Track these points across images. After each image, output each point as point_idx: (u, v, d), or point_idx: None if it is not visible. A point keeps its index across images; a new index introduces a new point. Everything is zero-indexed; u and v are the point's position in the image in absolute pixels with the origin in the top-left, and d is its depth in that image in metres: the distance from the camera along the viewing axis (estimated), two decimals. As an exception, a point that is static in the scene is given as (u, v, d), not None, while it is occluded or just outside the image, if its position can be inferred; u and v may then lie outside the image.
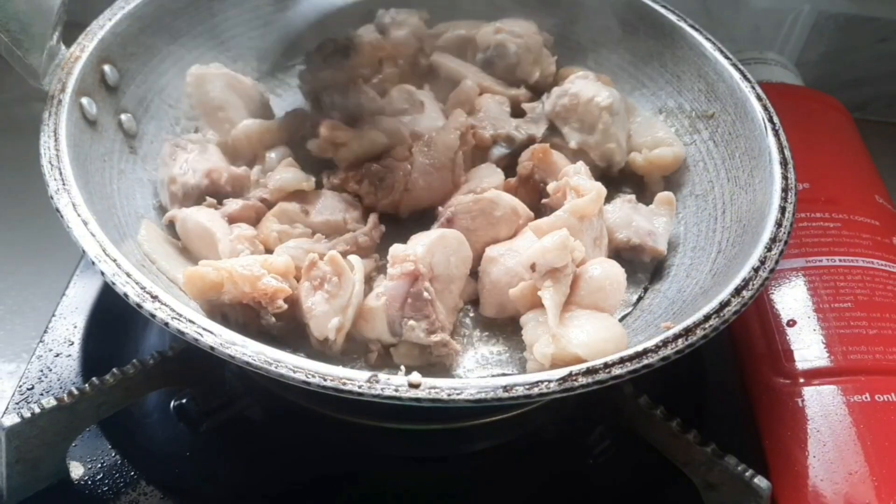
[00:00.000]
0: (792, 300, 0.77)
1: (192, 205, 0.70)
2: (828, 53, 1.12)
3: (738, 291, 0.59)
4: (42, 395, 0.69)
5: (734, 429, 0.71)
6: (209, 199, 0.70)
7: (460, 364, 0.64)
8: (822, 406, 0.69)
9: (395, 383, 0.51)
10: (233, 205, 0.70)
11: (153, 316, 0.53)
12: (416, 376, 0.51)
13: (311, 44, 0.82)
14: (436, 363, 0.62)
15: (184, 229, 0.69)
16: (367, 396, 0.50)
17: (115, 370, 0.60)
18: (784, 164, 0.69)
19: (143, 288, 0.54)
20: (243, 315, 0.60)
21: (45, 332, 0.74)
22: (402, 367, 0.61)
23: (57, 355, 0.72)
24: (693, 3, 1.04)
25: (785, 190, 0.67)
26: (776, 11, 1.10)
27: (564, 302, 0.63)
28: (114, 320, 0.75)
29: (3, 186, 0.94)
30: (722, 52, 0.80)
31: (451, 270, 0.65)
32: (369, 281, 0.66)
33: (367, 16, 0.87)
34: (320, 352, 0.61)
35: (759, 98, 0.75)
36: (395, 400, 0.50)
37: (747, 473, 0.56)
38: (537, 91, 0.85)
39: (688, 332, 0.56)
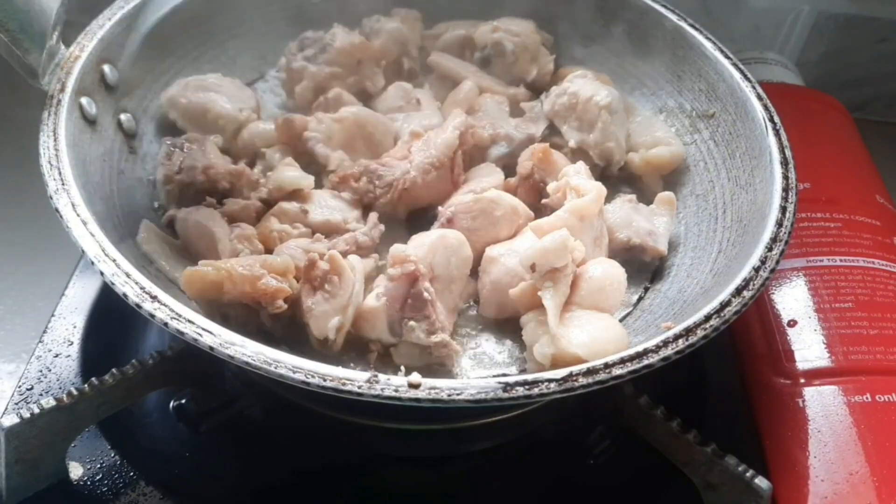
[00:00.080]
0: (793, 300, 0.77)
1: (191, 204, 0.70)
2: (828, 53, 1.12)
3: (738, 291, 0.59)
4: (41, 395, 0.69)
5: (734, 429, 0.71)
6: (209, 199, 0.70)
7: (460, 364, 0.64)
8: (823, 406, 0.69)
9: (394, 383, 0.51)
10: (232, 204, 0.70)
11: (152, 316, 0.53)
12: (415, 377, 0.51)
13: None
14: (436, 363, 0.62)
15: (183, 229, 0.69)
16: (366, 397, 0.50)
17: (114, 370, 0.60)
18: (785, 163, 0.69)
19: (142, 288, 0.54)
20: (243, 315, 0.60)
21: (45, 332, 0.74)
22: (402, 368, 0.61)
23: (56, 355, 0.72)
24: (693, 3, 1.04)
25: (786, 190, 0.67)
26: (776, 11, 1.10)
27: (564, 302, 0.63)
28: (113, 320, 0.75)
29: (2, 186, 0.94)
30: (722, 51, 0.79)
31: (451, 271, 0.65)
32: (369, 281, 0.66)
33: (368, 14, 0.87)
34: (320, 352, 0.61)
35: (759, 98, 0.75)
36: (395, 400, 0.50)
37: (748, 474, 0.56)
38: (536, 90, 0.85)
39: (688, 332, 0.56)
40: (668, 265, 0.73)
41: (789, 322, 0.75)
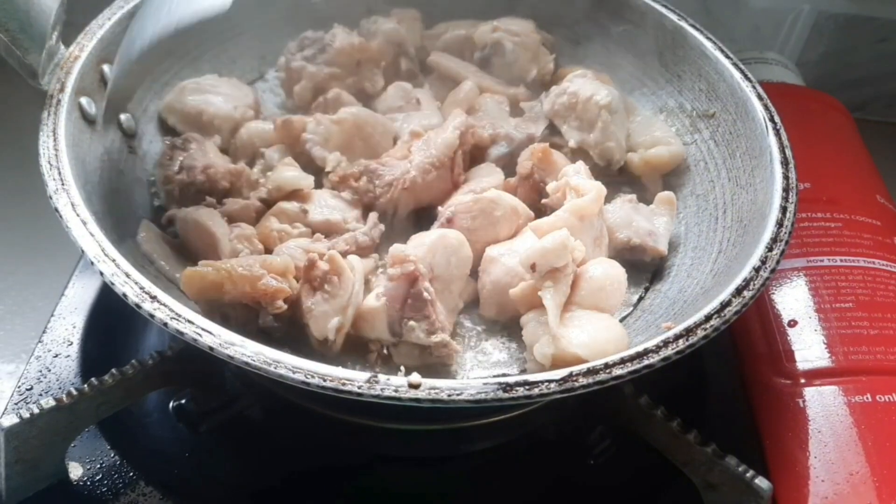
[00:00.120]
0: (793, 300, 0.77)
1: (191, 204, 0.70)
2: (828, 53, 1.12)
3: (738, 291, 0.59)
4: (41, 395, 0.69)
5: (735, 429, 0.71)
6: (208, 199, 0.70)
7: (460, 364, 0.64)
8: (823, 406, 0.69)
9: (394, 384, 0.50)
10: (232, 204, 0.70)
11: (152, 316, 0.53)
12: (415, 377, 0.51)
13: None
14: (436, 363, 0.62)
15: (183, 229, 0.69)
16: (366, 397, 0.50)
17: (114, 370, 0.60)
18: (785, 163, 0.69)
19: (141, 288, 0.54)
20: (243, 315, 0.60)
21: (45, 332, 0.74)
22: (402, 368, 0.61)
23: (56, 355, 0.72)
24: (693, 2, 1.04)
25: (786, 190, 0.67)
26: (776, 11, 1.10)
27: (565, 302, 0.63)
28: (113, 320, 0.75)
29: (2, 186, 0.94)
30: (723, 51, 0.79)
31: (451, 271, 0.65)
32: (369, 281, 0.66)
33: (367, 15, 0.87)
34: (320, 352, 0.61)
35: (759, 98, 0.75)
36: (394, 400, 0.50)
37: (748, 474, 0.56)
38: (536, 90, 0.85)
39: (688, 332, 0.56)
40: (668, 265, 0.73)
41: (789, 322, 0.75)
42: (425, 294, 0.61)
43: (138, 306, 0.54)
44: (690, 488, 0.60)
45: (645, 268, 0.73)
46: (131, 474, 0.64)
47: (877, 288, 0.76)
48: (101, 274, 0.55)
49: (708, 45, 0.80)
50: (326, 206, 0.71)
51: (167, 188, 0.71)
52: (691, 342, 0.55)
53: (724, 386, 0.76)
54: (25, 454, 0.59)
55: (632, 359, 0.54)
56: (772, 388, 0.72)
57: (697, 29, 0.82)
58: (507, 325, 0.67)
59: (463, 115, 0.75)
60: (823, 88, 1.02)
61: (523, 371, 0.63)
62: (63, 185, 0.60)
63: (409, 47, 0.86)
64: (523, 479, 0.68)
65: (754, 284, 0.59)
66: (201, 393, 0.66)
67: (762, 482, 0.56)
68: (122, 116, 0.74)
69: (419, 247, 0.64)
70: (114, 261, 0.56)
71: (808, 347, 0.73)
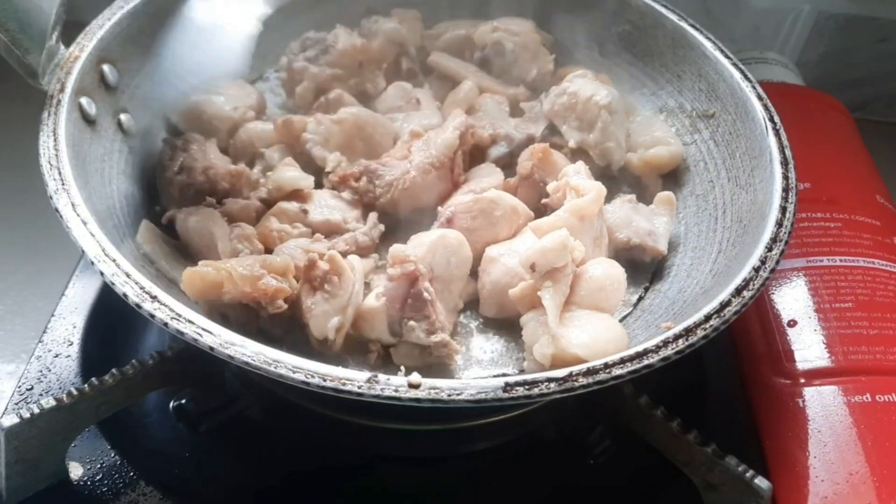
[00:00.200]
0: (793, 300, 0.77)
1: (192, 204, 0.70)
2: (828, 53, 1.12)
3: (738, 291, 0.59)
4: (41, 395, 0.69)
5: (735, 429, 0.71)
6: (208, 199, 0.70)
7: (460, 364, 0.64)
8: (823, 406, 0.69)
9: (394, 384, 0.50)
10: (232, 204, 0.70)
11: (152, 316, 0.53)
12: (415, 377, 0.51)
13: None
14: (436, 363, 0.62)
15: (184, 229, 0.69)
16: (366, 397, 0.50)
17: (114, 370, 0.60)
18: (785, 163, 0.69)
19: (142, 288, 0.54)
20: (243, 315, 0.60)
21: (45, 332, 0.74)
22: (402, 368, 0.61)
23: (56, 355, 0.72)
24: (693, 2, 1.04)
25: (786, 190, 0.67)
26: (776, 11, 1.10)
27: (564, 302, 0.63)
28: (113, 320, 0.75)
29: (2, 186, 0.94)
30: (722, 51, 0.79)
31: (451, 271, 0.65)
32: (369, 281, 0.66)
33: (367, 15, 0.87)
34: (320, 352, 0.61)
35: (759, 98, 0.75)
36: (394, 400, 0.50)
37: (748, 474, 0.56)
38: (536, 90, 0.85)
39: (688, 332, 0.56)
40: (668, 265, 0.73)
41: (789, 322, 0.75)
42: (425, 294, 0.61)
43: (138, 306, 0.54)
44: (690, 488, 0.60)
45: (645, 268, 0.73)
46: (131, 474, 0.64)
47: (876, 288, 0.76)
48: (102, 274, 0.55)
49: (708, 45, 0.80)
50: (326, 206, 0.71)
51: (167, 189, 0.71)
52: (691, 342, 0.55)
53: (724, 386, 0.76)
54: (26, 454, 0.59)
55: (631, 359, 0.54)
56: (772, 388, 0.72)
57: (697, 29, 0.82)
58: (507, 325, 0.67)
59: (463, 116, 0.75)
60: (823, 88, 1.02)
61: (523, 371, 0.63)
62: (63, 185, 0.60)
63: (410, 47, 0.86)
64: (523, 479, 0.68)
65: (754, 284, 0.59)
66: (201, 393, 0.66)
67: (762, 482, 0.56)
68: (123, 116, 0.74)
69: (419, 247, 0.64)
70: (114, 261, 0.56)
71: (808, 347, 0.73)
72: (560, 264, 0.61)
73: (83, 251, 0.57)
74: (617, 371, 0.53)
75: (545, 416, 0.68)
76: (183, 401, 0.66)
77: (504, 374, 0.62)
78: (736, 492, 0.57)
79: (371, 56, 0.82)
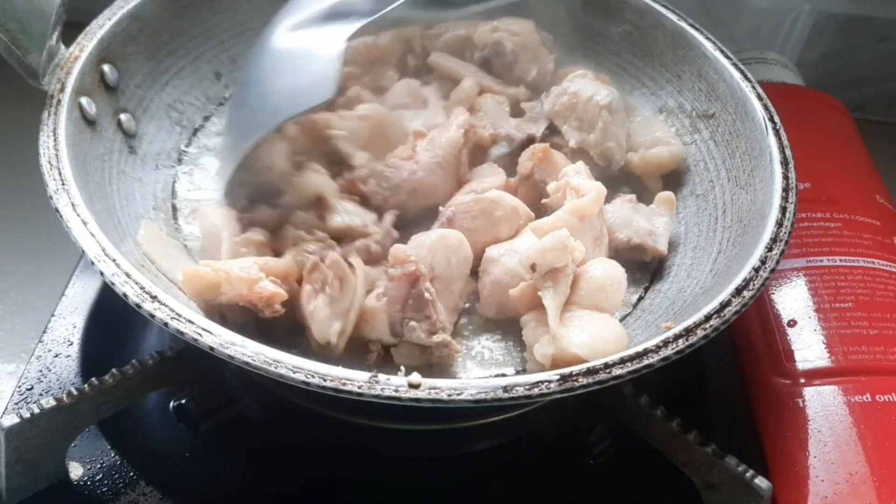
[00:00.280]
0: (793, 300, 0.77)
1: (244, 204, 0.69)
2: (828, 53, 1.12)
3: (738, 291, 0.59)
4: (41, 395, 0.69)
5: (735, 429, 0.71)
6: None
7: (460, 364, 0.64)
8: (823, 406, 0.69)
9: (395, 384, 0.50)
10: (253, 209, 0.68)
11: (152, 316, 0.53)
12: (415, 377, 0.51)
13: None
14: (436, 364, 0.62)
15: (201, 226, 0.69)
16: (366, 397, 0.50)
17: (114, 370, 0.60)
18: (785, 163, 0.69)
19: (142, 288, 0.54)
20: (241, 316, 0.60)
21: (45, 332, 0.74)
22: (402, 368, 0.61)
23: (56, 355, 0.72)
24: (693, 2, 1.04)
25: (786, 190, 0.67)
26: (776, 11, 1.10)
27: (565, 302, 0.63)
28: (113, 320, 0.75)
29: (2, 186, 0.94)
30: (722, 51, 0.79)
31: (451, 271, 0.65)
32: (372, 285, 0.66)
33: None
34: (320, 353, 0.61)
35: (759, 98, 0.75)
36: (395, 400, 0.50)
37: (748, 474, 0.56)
38: (536, 90, 0.85)
39: (688, 332, 0.56)
40: (668, 265, 0.73)
41: (789, 322, 0.75)
42: (426, 294, 0.61)
43: (139, 306, 0.54)
44: (690, 488, 0.60)
45: (645, 268, 0.73)
46: (131, 474, 0.64)
47: (876, 288, 0.76)
48: (102, 274, 0.55)
49: (708, 45, 0.80)
50: (346, 211, 0.69)
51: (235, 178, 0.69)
52: (691, 342, 0.55)
53: (724, 386, 0.76)
54: (25, 454, 0.59)
55: (631, 359, 0.54)
56: (771, 388, 0.72)
57: (697, 29, 0.82)
58: (508, 325, 0.67)
59: (465, 114, 0.76)
60: (823, 88, 1.02)
61: (523, 371, 0.63)
62: (63, 185, 0.60)
63: (417, 45, 0.86)
64: (523, 479, 0.68)
65: (754, 284, 0.59)
66: (201, 393, 0.66)
67: (762, 482, 0.56)
68: (123, 116, 0.74)
69: (420, 247, 0.64)
70: (114, 261, 0.56)
71: (808, 347, 0.73)
72: (560, 264, 0.61)
73: (83, 251, 0.57)
74: (617, 371, 0.53)
75: (545, 416, 0.68)
76: (183, 401, 0.66)
77: (504, 374, 0.62)
78: (736, 492, 0.57)
79: (381, 53, 0.82)
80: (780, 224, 0.64)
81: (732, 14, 1.09)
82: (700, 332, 0.56)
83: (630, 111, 0.82)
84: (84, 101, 0.69)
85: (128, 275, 0.55)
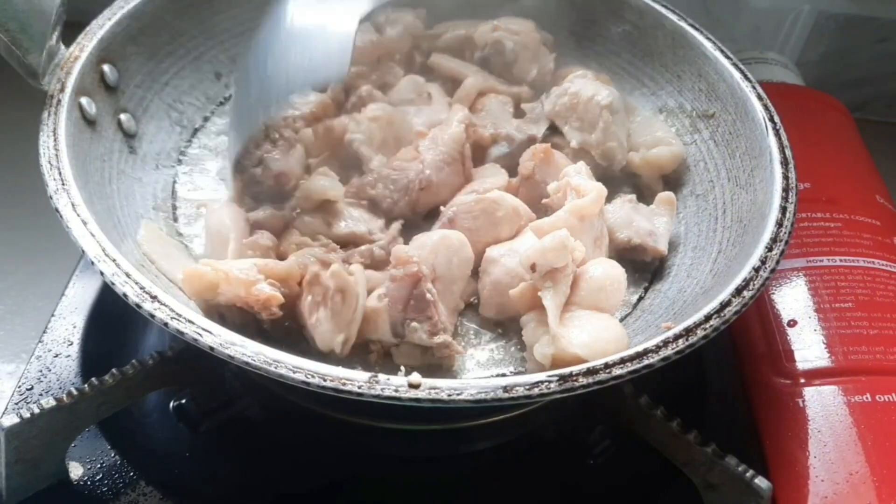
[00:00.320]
0: (793, 300, 0.77)
1: (249, 203, 0.69)
2: (828, 53, 1.12)
3: (738, 291, 0.59)
4: (41, 395, 0.69)
5: (735, 429, 0.71)
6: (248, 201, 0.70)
7: (460, 364, 0.64)
8: (823, 406, 0.69)
9: (395, 384, 0.50)
10: (260, 212, 0.68)
11: (152, 316, 0.53)
12: (416, 377, 0.51)
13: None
14: (437, 364, 0.62)
15: (207, 222, 0.69)
16: (366, 397, 0.50)
17: (114, 370, 0.60)
18: (785, 163, 0.69)
19: (142, 288, 0.54)
20: (240, 317, 0.60)
21: (45, 332, 0.74)
22: (402, 368, 0.61)
23: (56, 355, 0.72)
24: (693, 2, 1.04)
25: (786, 190, 0.67)
26: (776, 11, 1.10)
27: (565, 302, 0.63)
28: (113, 320, 0.75)
29: (2, 186, 0.94)
30: (722, 51, 0.79)
31: (452, 271, 0.65)
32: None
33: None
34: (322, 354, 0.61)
35: (759, 98, 0.75)
36: (395, 400, 0.50)
37: (748, 474, 0.56)
38: (537, 90, 0.85)
39: (688, 332, 0.56)
40: (668, 265, 0.73)
41: (789, 322, 0.75)
42: (428, 295, 0.61)
43: (139, 306, 0.54)
44: (690, 488, 0.60)
45: (645, 268, 0.73)
46: (131, 474, 0.64)
47: (876, 288, 0.76)
48: (102, 274, 0.55)
49: (708, 45, 0.80)
50: (351, 217, 0.69)
51: (236, 173, 0.70)
52: (691, 342, 0.55)
53: (724, 386, 0.76)
54: (26, 454, 0.59)
55: (631, 359, 0.54)
56: (771, 388, 0.72)
57: (697, 29, 0.82)
58: (507, 325, 0.67)
59: (465, 110, 0.76)
60: (823, 88, 1.02)
61: (523, 371, 0.63)
62: (63, 185, 0.60)
63: (423, 42, 0.86)
64: (523, 479, 0.68)
65: (754, 284, 0.59)
66: (201, 393, 0.66)
67: (762, 482, 0.56)
68: (123, 116, 0.74)
69: (421, 247, 0.64)
70: (114, 261, 0.56)
71: (808, 347, 0.73)
72: (560, 264, 0.61)
73: (83, 251, 0.57)
74: (617, 371, 0.53)
75: (545, 416, 0.68)
76: (183, 401, 0.66)
77: (504, 374, 0.62)
78: (736, 492, 0.57)
79: (387, 49, 0.82)
80: (780, 224, 0.64)
81: (732, 14, 1.09)
82: (700, 332, 0.56)
83: (630, 111, 0.82)
84: (84, 101, 0.69)
85: (128, 275, 0.55)
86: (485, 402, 0.51)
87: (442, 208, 0.70)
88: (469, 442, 0.69)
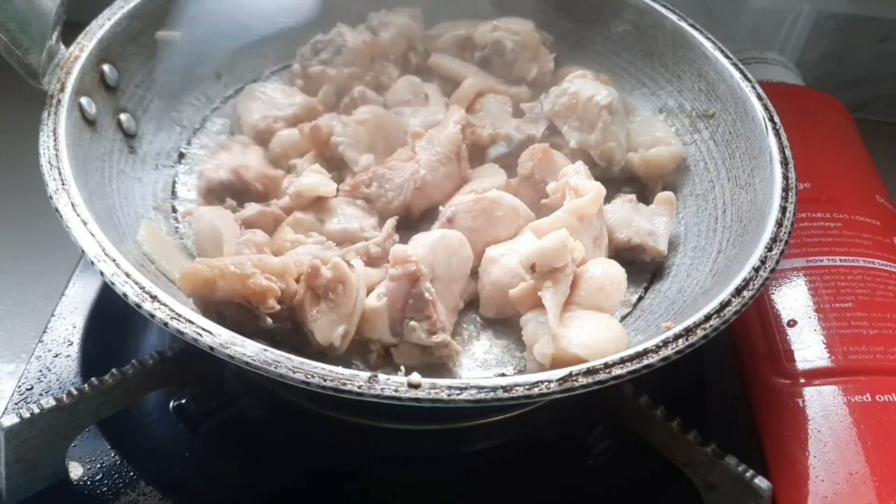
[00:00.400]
0: (792, 300, 0.76)
1: (216, 202, 0.70)
2: (828, 53, 1.12)
3: (738, 291, 0.59)
4: (41, 395, 0.69)
5: (734, 429, 0.71)
6: (229, 201, 0.70)
7: (460, 364, 0.64)
8: (823, 406, 0.69)
9: (394, 383, 0.50)
10: (250, 209, 0.69)
11: (152, 316, 0.53)
12: (415, 376, 0.51)
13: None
14: (436, 363, 0.62)
15: (196, 227, 0.69)
16: (366, 396, 0.50)
17: (114, 370, 0.60)
18: (785, 163, 0.69)
19: (142, 288, 0.54)
20: (238, 315, 0.60)
21: (45, 332, 0.74)
22: (402, 368, 0.61)
23: (56, 355, 0.72)
24: (693, 2, 1.04)
25: (786, 189, 0.67)
26: (776, 11, 1.10)
27: (565, 302, 0.63)
28: (113, 320, 0.75)
29: (2, 186, 0.94)
30: (722, 51, 0.79)
31: (451, 271, 0.65)
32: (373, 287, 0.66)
33: (361, 18, 0.87)
34: (321, 352, 0.61)
35: (759, 98, 0.75)
36: (395, 400, 0.50)
37: (748, 474, 0.56)
38: (536, 90, 0.85)
39: (688, 332, 0.56)
40: (668, 265, 0.73)
41: (789, 322, 0.75)
42: (426, 294, 0.61)
43: (138, 306, 0.54)
44: (690, 488, 0.60)
45: (645, 268, 0.73)
46: (131, 474, 0.64)
47: (876, 288, 0.76)
48: (102, 274, 0.55)
49: (708, 45, 0.80)
50: (343, 214, 0.70)
51: (198, 182, 0.72)
52: (691, 342, 0.55)
53: (724, 386, 0.76)
54: (25, 454, 0.59)
55: (631, 359, 0.54)
56: (771, 388, 0.72)
57: (697, 29, 0.82)
58: (508, 325, 0.67)
59: (462, 111, 0.75)
60: (823, 88, 1.02)
61: (523, 371, 0.63)
62: (63, 184, 0.60)
63: (418, 42, 0.87)
64: (523, 479, 0.68)
65: (754, 284, 0.59)
66: (201, 393, 0.66)
67: (762, 482, 0.56)
68: (123, 116, 0.74)
69: (420, 247, 0.64)
70: (114, 261, 0.56)
71: (808, 347, 0.73)
72: (560, 264, 0.61)
73: (83, 251, 0.57)
74: (617, 371, 0.53)
75: (545, 416, 0.68)
76: (183, 401, 0.66)
77: (504, 374, 0.62)
78: (736, 492, 0.57)
79: (381, 50, 0.82)
80: (779, 224, 0.64)
81: (732, 14, 1.09)
82: (700, 332, 0.56)
83: (630, 111, 0.82)
84: (84, 101, 0.69)
85: (128, 275, 0.55)
86: (485, 402, 0.51)
87: (441, 208, 0.70)
88: (469, 442, 0.69)
